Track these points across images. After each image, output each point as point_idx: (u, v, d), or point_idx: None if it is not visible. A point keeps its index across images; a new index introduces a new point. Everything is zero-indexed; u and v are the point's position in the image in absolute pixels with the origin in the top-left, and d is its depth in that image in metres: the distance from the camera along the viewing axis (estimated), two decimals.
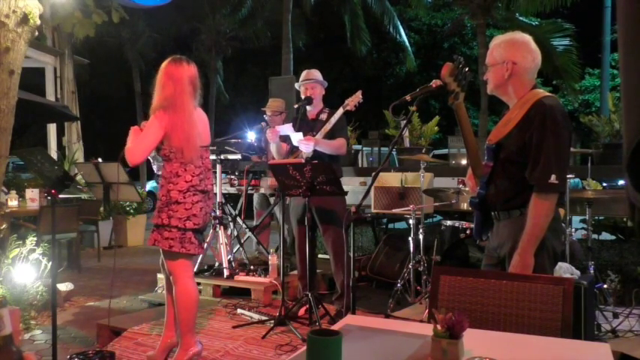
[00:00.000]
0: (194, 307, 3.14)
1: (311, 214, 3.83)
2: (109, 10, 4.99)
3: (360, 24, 16.07)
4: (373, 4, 15.74)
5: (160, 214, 3.05)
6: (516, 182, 2.26)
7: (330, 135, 4.13)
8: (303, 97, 4.29)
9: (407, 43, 16.26)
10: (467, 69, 2.31)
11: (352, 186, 5.54)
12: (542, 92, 2.28)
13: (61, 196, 4.17)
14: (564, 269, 3.34)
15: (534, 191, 2.20)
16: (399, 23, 16.09)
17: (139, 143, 3.00)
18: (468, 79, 2.34)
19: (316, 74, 4.31)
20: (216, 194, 4.94)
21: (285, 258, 4.31)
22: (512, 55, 2.28)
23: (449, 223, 4.80)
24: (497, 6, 11.27)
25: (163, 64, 3.09)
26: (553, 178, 2.14)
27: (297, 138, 4.14)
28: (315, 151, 4.11)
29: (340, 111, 4.12)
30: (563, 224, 3.86)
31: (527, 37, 2.35)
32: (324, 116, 4.20)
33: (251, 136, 5.34)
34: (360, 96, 4.11)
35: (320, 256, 5.09)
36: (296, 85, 4.41)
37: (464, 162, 7.65)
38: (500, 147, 2.30)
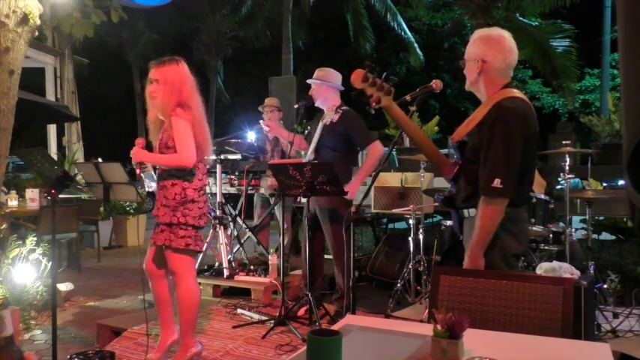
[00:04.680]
0: (196, 307, 3.16)
1: (312, 214, 3.83)
2: (108, 10, 4.99)
3: (363, 22, 16.06)
4: (376, 3, 15.72)
5: (175, 213, 3.03)
6: (474, 181, 2.22)
7: (345, 139, 4.00)
8: None
9: (412, 39, 16.18)
10: (380, 72, 2.22)
11: None
12: (510, 92, 2.20)
13: (61, 196, 4.16)
14: (564, 269, 3.33)
15: (480, 194, 2.15)
16: (402, 20, 16.06)
17: (183, 147, 2.99)
18: (391, 82, 2.24)
19: (319, 74, 4.13)
20: (216, 194, 4.95)
21: (285, 258, 4.31)
22: (483, 54, 2.24)
23: (449, 223, 4.79)
24: (497, 6, 11.26)
25: (167, 67, 3.11)
26: (497, 183, 2.07)
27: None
28: (327, 151, 4.04)
29: (321, 124, 4.00)
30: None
31: (504, 35, 2.26)
32: (335, 118, 4.00)
33: (251, 136, 5.34)
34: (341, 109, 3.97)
35: (325, 256, 5.08)
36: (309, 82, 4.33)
37: None
38: (464, 144, 2.29)
